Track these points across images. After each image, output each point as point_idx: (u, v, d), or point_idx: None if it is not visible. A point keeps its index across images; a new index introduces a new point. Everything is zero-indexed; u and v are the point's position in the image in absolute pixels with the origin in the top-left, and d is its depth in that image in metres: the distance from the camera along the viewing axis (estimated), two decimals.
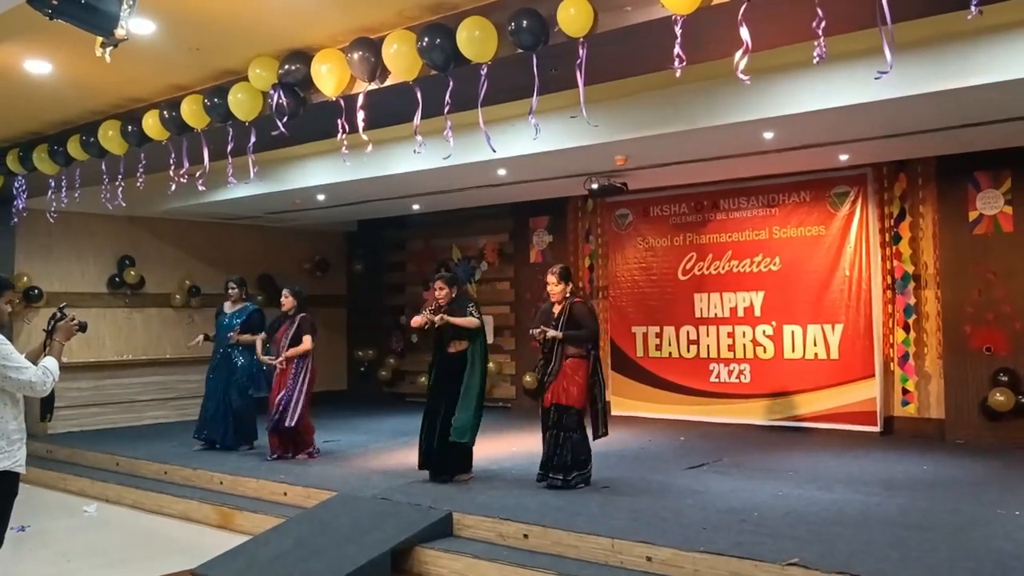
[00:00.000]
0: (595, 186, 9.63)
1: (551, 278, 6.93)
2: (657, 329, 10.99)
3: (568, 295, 6.90)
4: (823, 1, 4.03)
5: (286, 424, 8.26)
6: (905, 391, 9.26)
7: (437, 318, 6.97)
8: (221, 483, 7.74)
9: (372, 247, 14.48)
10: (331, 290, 14.42)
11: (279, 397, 8.32)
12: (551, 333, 6.72)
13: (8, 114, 7.51)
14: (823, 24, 4.06)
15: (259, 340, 8.78)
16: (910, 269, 9.27)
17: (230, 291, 9.40)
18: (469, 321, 7.03)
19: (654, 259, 11.09)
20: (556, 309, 6.92)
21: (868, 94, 6.10)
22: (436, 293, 7.21)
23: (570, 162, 8.66)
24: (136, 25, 4.89)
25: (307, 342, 8.40)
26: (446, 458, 7.11)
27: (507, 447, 8.76)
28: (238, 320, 9.23)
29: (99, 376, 11.06)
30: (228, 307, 9.40)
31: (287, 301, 8.61)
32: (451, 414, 6.98)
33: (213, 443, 9.15)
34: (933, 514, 5.81)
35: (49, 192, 8.41)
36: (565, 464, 6.70)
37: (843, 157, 8.78)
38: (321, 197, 10.71)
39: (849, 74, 6.10)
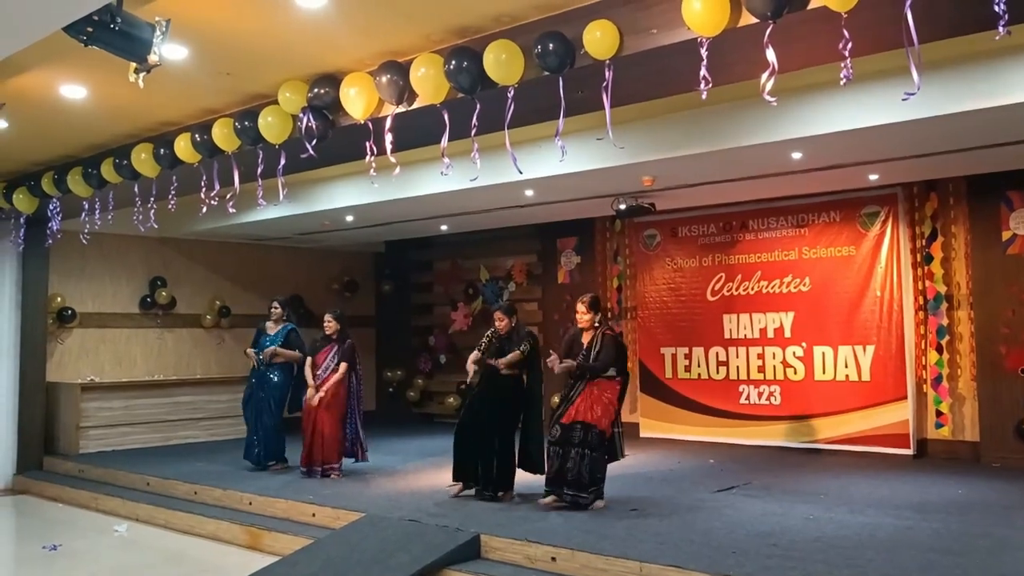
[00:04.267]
0: (623, 207, 9.62)
1: (580, 307, 7.03)
2: (686, 350, 10.92)
3: (598, 323, 7.00)
4: (850, 23, 4.02)
5: (358, 460, 8.81)
6: (939, 413, 9.12)
7: (478, 361, 7.36)
8: (250, 503, 7.77)
9: (400, 268, 14.55)
10: (359, 310, 14.47)
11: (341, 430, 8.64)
12: (558, 368, 6.84)
13: (44, 138, 7.66)
14: (850, 45, 4.05)
15: (307, 365, 8.83)
16: (942, 289, 9.15)
17: (273, 311, 9.45)
18: (512, 358, 7.23)
19: (683, 280, 11.04)
20: (586, 338, 7.00)
21: (896, 114, 6.06)
22: (496, 324, 7.44)
23: (597, 183, 8.67)
24: (168, 51, 4.98)
25: (341, 369, 8.63)
26: (496, 474, 7.24)
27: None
28: (280, 339, 9.32)
29: (130, 396, 11.16)
30: (271, 327, 9.43)
31: (330, 325, 8.75)
32: (498, 431, 7.21)
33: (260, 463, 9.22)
34: (966, 538, 5.71)
35: (83, 214, 8.54)
36: (582, 482, 6.70)
37: (873, 177, 8.72)
38: (350, 218, 10.79)
39: (877, 94, 6.06)
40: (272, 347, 9.20)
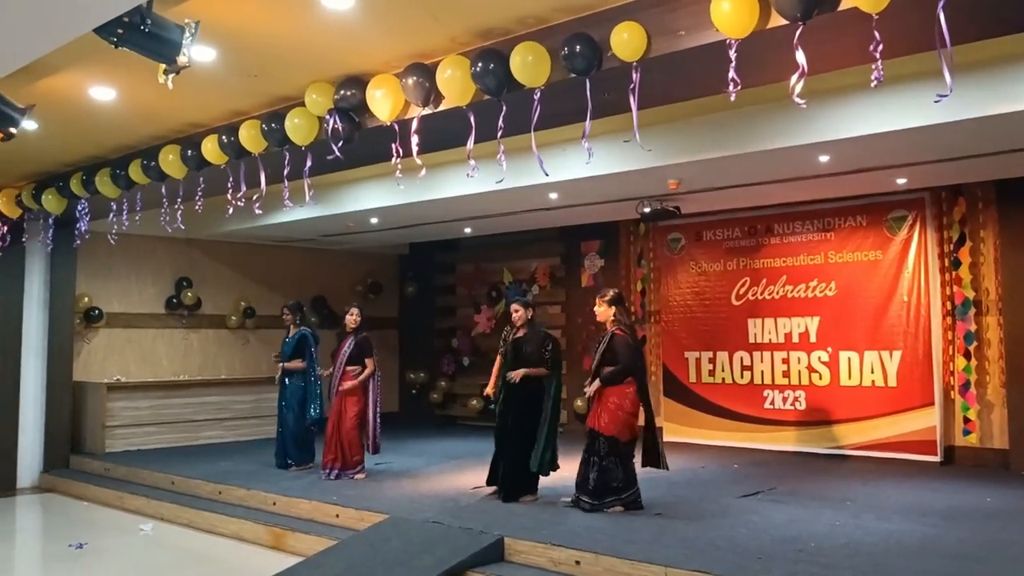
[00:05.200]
0: (647, 210, 9.59)
1: (598, 301, 6.99)
2: (710, 354, 10.86)
3: (615, 321, 6.91)
4: (881, 24, 3.98)
5: (372, 452, 8.76)
6: (967, 420, 9.01)
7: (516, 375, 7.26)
8: (274, 504, 7.80)
9: (423, 270, 14.58)
10: (383, 312, 14.51)
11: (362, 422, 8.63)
12: (589, 391, 6.84)
13: (73, 139, 7.73)
14: (880, 47, 4.00)
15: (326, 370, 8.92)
16: (971, 295, 9.05)
17: (284, 317, 9.63)
18: (538, 372, 7.28)
19: (707, 284, 10.99)
20: (598, 338, 7.02)
21: (926, 117, 6.00)
22: (513, 315, 7.54)
23: (622, 186, 8.64)
24: (197, 52, 5.01)
25: (370, 364, 8.65)
26: (511, 478, 7.28)
27: (559, 472, 8.68)
28: (292, 346, 9.45)
29: (156, 396, 11.24)
30: (290, 332, 9.55)
31: (353, 319, 8.74)
32: (519, 435, 7.23)
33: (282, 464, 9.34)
34: (995, 546, 5.64)
35: (111, 215, 8.61)
36: (593, 489, 6.70)
37: (900, 181, 8.63)
38: (374, 220, 10.82)
39: (906, 97, 6.00)
40: (280, 365, 9.39)
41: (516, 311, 7.51)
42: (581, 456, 6.88)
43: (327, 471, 8.58)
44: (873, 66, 4.06)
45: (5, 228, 9.72)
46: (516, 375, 7.24)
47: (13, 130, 6.26)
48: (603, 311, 6.93)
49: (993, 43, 5.01)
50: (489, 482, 7.60)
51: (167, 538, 7.79)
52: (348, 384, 8.58)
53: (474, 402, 13.32)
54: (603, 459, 6.70)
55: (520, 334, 7.49)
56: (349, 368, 8.64)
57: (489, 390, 7.76)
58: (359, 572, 5.80)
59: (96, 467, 10.23)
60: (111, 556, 7.23)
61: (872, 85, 4.12)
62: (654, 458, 6.92)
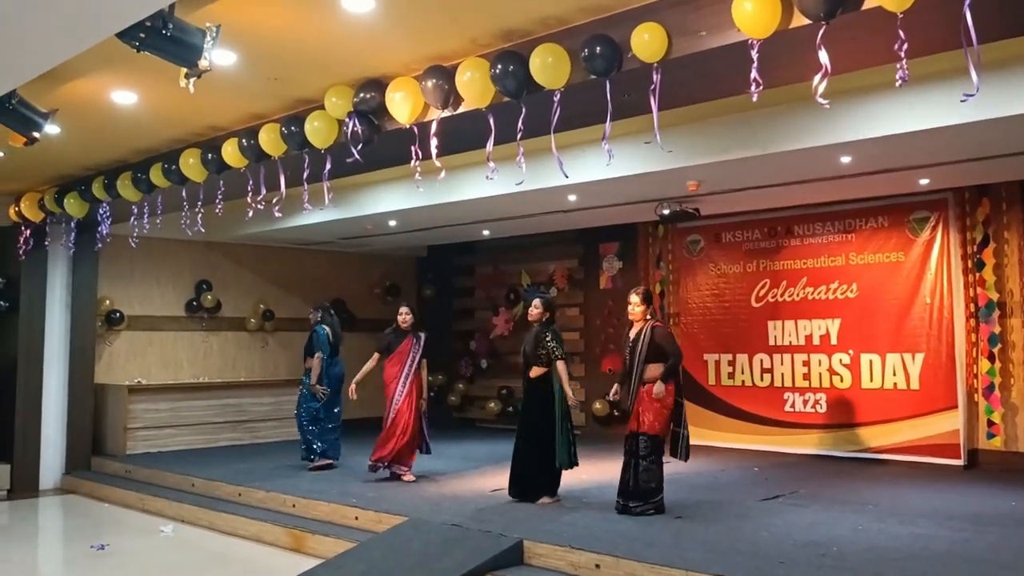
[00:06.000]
0: (666, 212, 9.54)
1: (634, 298, 6.86)
2: (730, 357, 10.80)
3: (649, 316, 6.85)
4: (905, 23, 3.94)
5: (423, 453, 8.70)
6: (991, 423, 8.91)
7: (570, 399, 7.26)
8: (294, 506, 7.81)
9: (441, 272, 14.58)
10: None
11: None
12: (660, 392, 6.64)
13: (95, 143, 7.78)
14: (905, 46, 3.96)
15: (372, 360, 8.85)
16: (995, 297, 8.95)
17: (309, 317, 9.81)
18: (564, 380, 7.25)
19: (727, 286, 10.93)
20: (633, 332, 6.86)
21: (951, 117, 5.94)
22: (530, 312, 7.55)
23: (641, 188, 8.61)
24: (218, 56, 5.02)
25: (425, 368, 8.67)
26: (531, 480, 7.31)
27: (578, 475, 8.64)
28: (306, 343, 9.71)
29: (176, 398, 11.30)
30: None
31: (407, 318, 8.68)
32: (534, 436, 7.25)
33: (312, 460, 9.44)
34: None
35: (132, 218, 8.67)
36: (634, 491, 6.66)
37: (923, 181, 8.54)
38: (393, 223, 10.83)
39: (930, 97, 5.95)
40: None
41: (534, 308, 7.51)
42: (624, 461, 6.77)
43: (380, 466, 8.50)
44: (898, 65, 4.02)
45: (28, 232, 9.82)
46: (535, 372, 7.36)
47: (36, 134, 6.32)
48: (641, 307, 6.82)
49: (1018, 41, 4.94)
50: (509, 490, 7.48)
51: (188, 539, 7.82)
52: (419, 382, 8.54)
53: (492, 404, 13.30)
54: (646, 458, 6.63)
55: (532, 321, 7.59)
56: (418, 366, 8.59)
57: None
58: (379, 574, 5.79)
59: (117, 469, 10.29)
60: (132, 557, 7.26)
61: (897, 85, 4.08)
62: (676, 448, 6.84)
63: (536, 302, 7.54)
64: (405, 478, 8.50)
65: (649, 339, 6.72)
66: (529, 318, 7.59)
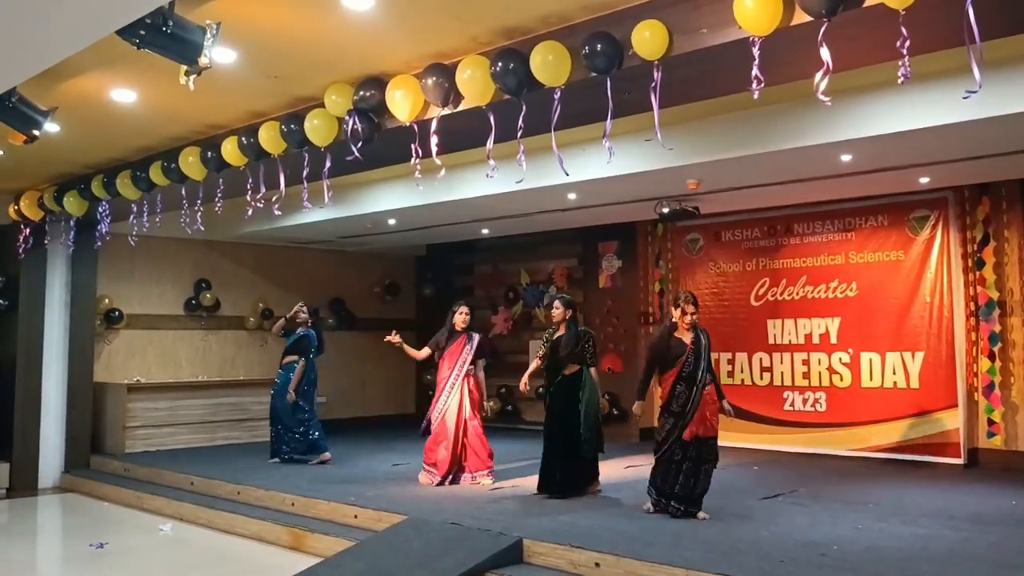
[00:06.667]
0: (666, 210, 9.53)
1: (689, 307, 6.63)
2: (729, 355, 10.79)
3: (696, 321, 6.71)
4: (907, 20, 3.93)
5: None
6: (991, 422, 8.91)
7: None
8: (293, 504, 7.80)
9: (441, 271, 14.57)
10: (400, 314, 14.53)
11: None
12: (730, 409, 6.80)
13: (95, 141, 7.77)
14: (907, 44, 3.95)
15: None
16: (995, 296, 8.94)
17: (300, 315, 10.01)
18: (595, 375, 7.67)
19: (726, 284, 10.92)
20: (687, 337, 6.61)
21: (953, 115, 5.93)
22: (553, 312, 7.77)
23: (641, 186, 8.60)
24: (218, 54, 5.01)
25: (481, 367, 8.55)
26: (575, 474, 7.47)
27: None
28: (291, 340, 10.02)
29: (175, 397, 11.29)
30: (300, 329, 10.00)
31: (465, 318, 8.54)
32: (573, 432, 7.40)
33: (286, 457, 9.77)
34: None
35: (131, 217, 8.66)
36: (698, 495, 6.58)
37: (923, 180, 8.53)
38: (392, 221, 10.82)
39: (931, 94, 5.94)
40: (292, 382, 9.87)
41: (556, 309, 7.70)
42: (684, 465, 6.53)
43: (446, 476, 8.18)
44: (900, 63, 4.01)
45: (27, 230, 9.81)
46: (522, 385, 7.92)
47: (36, 132, 6.30)
48: (693, 313, 6.66)
49: (1020, 39, 4.92)
50: (542, 489, 7.51)
51: (187, 538, 7.80)
52: (475, 383, 8.43)
53: (490, 403, 13.26)
54: (714, 462, 6.62)
55: (560, 333, 7.66)
56: (472, 367, 8.44)
57: (522, 386, 8.01)
58: (379, 573, 5.79)
59: (116, 467, 10.28)
60: (131, 556, 7.25)
61: (899, 82, 4.06)
62: None
63: (557, 303, 7.74)
64: (482, 482, 8.20)
65: (708, 343, 6.67)
66: (553, 319, 7.79)
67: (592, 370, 7.62)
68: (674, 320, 6.70)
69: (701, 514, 6.53)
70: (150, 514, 8.69)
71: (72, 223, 9.68)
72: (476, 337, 8.52)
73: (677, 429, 6.54)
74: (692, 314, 6.65)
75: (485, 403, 8.65)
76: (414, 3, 4.90)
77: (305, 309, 10.00)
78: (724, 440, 10.36)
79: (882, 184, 8.73)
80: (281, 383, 9.86)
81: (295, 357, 9.89)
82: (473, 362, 8.42)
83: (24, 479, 10.19)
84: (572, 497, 7.36)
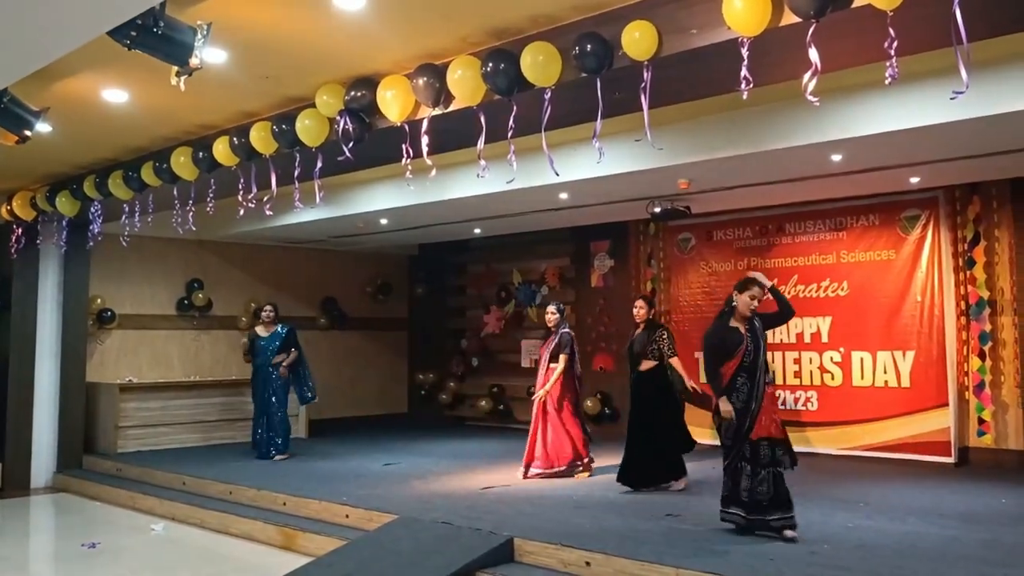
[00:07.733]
0: (657, 210, 9.56)
1: (749, 296, 6.01)
2: None
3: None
4: (895, 21, 3.95)
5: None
6: (981, 421, 8.95)
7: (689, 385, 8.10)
8: (284, 504, 7.81)
9: (433, 271, 14.57)
10: (393, 313, 14.55)
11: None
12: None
13: (86, 141, 7.76)
14: (895, 44, 3.98)
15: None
16: (985, 295, 8.98)
17: (268, 314, 10.48)
18: (677, 365, 7.99)
19: (718, 284, 10.94)
20: (744, 328, 5.98)
21: (942, 115, 5.96)
22: (635, 311, 8.04)
23: (632, 186, 8.62)
24: (209, 54, 5.02)
25: (561, 361, 8.46)
26: (657, 468, 7.76)
27: (583, 477, 8.68)
28: (278, 342, 10.33)
29: (167, 397, 11.28)
30: (261, 331, 10.48)
31: (552, 317, 8.68)
32: (652, 426, 7.72)
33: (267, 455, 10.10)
34: (1017, 549, 5.56)
35: (123, 217, 8.65)
36: (778, 502, 5.88)
37: (914, 180, 8.57)
38: (384, 221, 10.82)
39: (922, 94, 5.97)
40: (281, 368, 10.32)
41: (639, 307, 8.01)
42: (761, 472, 5.86)
43: (526, 469, 8.47)
44: (887, 63, 4.04)
45: (20, 230, 9.79)
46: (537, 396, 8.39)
47: (28, 133, 6.29)
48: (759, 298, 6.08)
49: (1007, 40, 4.96)
50: (623, 479, 7.75)
51: (179, 538, 7.80)
52: (548, 384, 8.46)
53: (483, 403, 13.30)
54: (788, 467, 5.93)
55: (638, 331, 7.94)
56: (552, 365, 8.50)
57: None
58: (370, 572, 5.80)
59: (108, 467, 10.27)
60: (123, 555, 7.25)
61: (887, 83, 4.09)
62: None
63: (640, 302, 8.06)
64: (578, 476, 8.42)
65: (765, 337, 6.07)
66: (636, 319, 8.01)
67: (674, 360, 7.88)
68: (734, 305, 6.03)
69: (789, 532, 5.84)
70: (142, 514, 8.69)
71: (64, 223, 9.68)
72: (562, 334, 8.59)
73: (744, 428, 5.94)
74: (755, 298, 6.00)
75: (556, 397, 8.51)
76: (404, 3, 4.92)
77: (274, 309, 10.54)
78: (715, 439, 10.52)
79: (873, 184, 8.77)
80: (274, 377, 10.27)
81: (284, 356, 10.30)
82: (553, 359, 8.51)
83: (16, 479, 10.19)
84: (646, 491, 7.64)
